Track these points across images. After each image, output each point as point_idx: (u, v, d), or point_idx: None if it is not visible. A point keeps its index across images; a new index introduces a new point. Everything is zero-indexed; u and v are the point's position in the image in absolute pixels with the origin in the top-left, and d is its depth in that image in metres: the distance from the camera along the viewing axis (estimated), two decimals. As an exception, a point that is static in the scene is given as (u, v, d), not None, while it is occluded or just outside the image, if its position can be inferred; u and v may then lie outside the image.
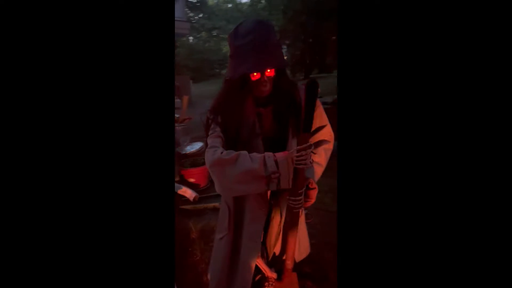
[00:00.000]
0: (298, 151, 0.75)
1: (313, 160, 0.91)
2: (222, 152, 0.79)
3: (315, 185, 0.85)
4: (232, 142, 0.86)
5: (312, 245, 1.22)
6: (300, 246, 1.14)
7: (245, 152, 0.78)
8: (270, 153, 0.78)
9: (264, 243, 1.04)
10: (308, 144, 0.74)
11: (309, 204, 0.89)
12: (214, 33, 16.17)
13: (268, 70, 0.79)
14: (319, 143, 0.95)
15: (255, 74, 0.79)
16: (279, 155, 0.77)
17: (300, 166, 0.76)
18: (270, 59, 0.77)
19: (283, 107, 0.84)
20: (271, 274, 1.05)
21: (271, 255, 1.05)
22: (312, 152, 0.86)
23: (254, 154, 0.78)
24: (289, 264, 1.03)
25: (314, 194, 0.86)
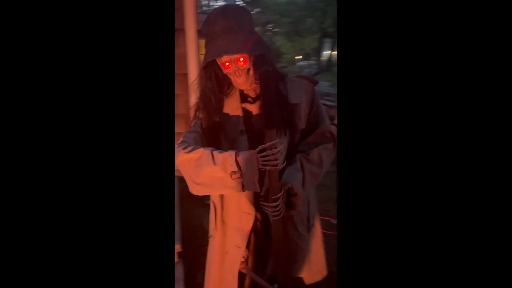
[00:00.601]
0: (261, 150, 0.68)
1: (304, 164, 0.82)
2: (185, 148, 0.75)
3: (296, 191, 0.76)
4: (216, 139, 0.82)
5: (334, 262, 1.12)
6: (311, 265, 1.05)
7: (209, 149, 0.73)
8: (234, 152, 0.71)
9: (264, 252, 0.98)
10: (273, 142, 0.67)
11: (292, 212, 0.80)
12: (269, 27, 16.11)
13: (241, 59, 0.71)
14: (315, 145, 0.84)
15: (226, 64, 0.72)
16: (243, 153, 0.70)
17: (267, 168, 0.69)
18: (235, 45, 0.69)
19: (269, 102, 0.73)
20: None
21: (269, 267, 0.99)
22: (301, 152, 0.78)
23: (218, 151, 0.73)
24: (281, 281, 0.97)
25: (297, 201, 0.77)
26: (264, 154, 0.68)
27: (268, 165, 0.69)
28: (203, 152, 0.73)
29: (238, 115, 0.80)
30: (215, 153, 0.73)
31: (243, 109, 0.80)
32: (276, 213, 0.74)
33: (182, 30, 1.81)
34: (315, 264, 1.08)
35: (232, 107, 0.81)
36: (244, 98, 0.81)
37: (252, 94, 0.81)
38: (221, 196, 0.88)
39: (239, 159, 0.70)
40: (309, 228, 1.00)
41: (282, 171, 0.78)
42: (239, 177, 0.70)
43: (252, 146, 0.77)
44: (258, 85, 0.77)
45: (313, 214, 0.98)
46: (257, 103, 0.80)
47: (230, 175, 0.70)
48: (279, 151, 0.68)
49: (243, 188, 0.71)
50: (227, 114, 0.80)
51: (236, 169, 0.69)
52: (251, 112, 0.81)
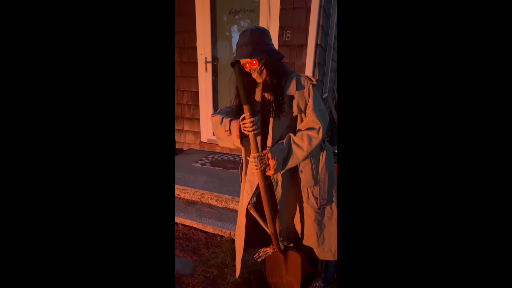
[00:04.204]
0: (242, 119, 1.03)
1: (289, 140, 1.09)
2: (213, 114, 1.18)
3: (269, 157, 1.06)
4: (241, 115, 1.11)
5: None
6: (324, 243, 1.26)
7: (222, 116, 1.14)
8: (230, 118, 1.10)
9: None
10: (245, 114, 1.02)
11: (268, 173, 1.09)
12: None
13: (254, 62, 1.05)
14: (305, 129, 1.11)
15: (246, 65, 1.07)
16: (235, 120, 1.07)
17: (245, 132, 1.04)
18: (247, 52, 1.03)
19: (270, 94, 1.09)
20: (277, 248, 1.22)
21: (275, 223, 1.23)
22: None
23: (226, 117, 1.11)
24: (270, 232, 1.21)
25: (271, 164, 1.07)
26: (243, 122, 1.03)
27: (246, 129, 1.03)
28: (219, 117, 1.13)
29: (258, 101, 1.13)
30: (224, 118, 1.11)
31: (263, 96, 1.12)
32: (256, 167, 1.07)
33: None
34: (327, 243, 1.23)
35: (257, 94, 1.14)
36: (265, 89, 1.11)
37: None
38: (245, 158, 1.20)
39: (231, 123, 1.07)
40: (320, 205, 1.17)
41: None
42: (229, 135, 1.09)
43: (263, 123, 1.10)
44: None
45: (325, 195, 1.20)
46: (271, 93, 1.10)
47: (225, 132, 1.09)
48: (253, 121, 1.02)
49: (234, 143, 1.10)
50: (254, 99, 1.13)
51: (227, 129, 1.08)
52: (268, 99, 1.11)
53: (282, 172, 1.13)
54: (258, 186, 1.19)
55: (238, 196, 2.06)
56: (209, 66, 2.79)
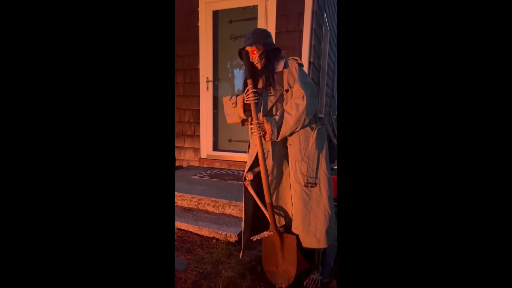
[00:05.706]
0: (246, 91, 1.27)
1: (282, 110, 1.26)
2: (226, 96, 1.46)
3: (264, 123, 1.24)
4: None
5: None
6: (309, 226, 1.28)
7: (231, 95, 1.40)
8: (238, 94, 1.36)
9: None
10: (248, 86, 1.25)
11: (266, 137, 1.25)
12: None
13: (254, 52, 1.30)
14: (293, 99, 1.27)
15: (250, 55, 1.31)
16: (241, 95, 1.33)
17: (247, 101, 1.28)
18: (249, 42, 1.31)
19: (267, 76, 1.30)
20: (273, 228, 1.23)
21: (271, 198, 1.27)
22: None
23: (236, 96, 1.38)
24: (266, 201, 1.24)
25: (266, 128, 1.24)
26: (247, 93, 1.26)
27: (248, 99, 1.26)
28: (229, 97, 1.41)
29: (260, 87, 1.32)
30: (233, 96, 1.38)
31: (264, 81, 1.32)
32: (254, 132, 1.25)
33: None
34: (312, 227, 1.23)
35: (261, 82, 1.33)
36: (266, 73, 1.30)
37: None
38: (250, 129, 1.36)
39: (237, 97, 1.35)
40: (307, 183, 1.20)
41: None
42: (235, 106, 1.35)
43: (264, 105, 1.30)
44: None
45: (313, 173, 1.26)
46: (264, 73, 1.30)
47: (232, 105, 1.35)
48: (254, 92, 1.24)
49: (239, 114, 1.33)
50: (257, 88, 1.32)
51: (235, 102, 1.35)
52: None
53: (278, 139, 1.25)
54: (254, 161, 1.30)
55: (235, 201, 2.05)
56: (210, 85, 2.97)
